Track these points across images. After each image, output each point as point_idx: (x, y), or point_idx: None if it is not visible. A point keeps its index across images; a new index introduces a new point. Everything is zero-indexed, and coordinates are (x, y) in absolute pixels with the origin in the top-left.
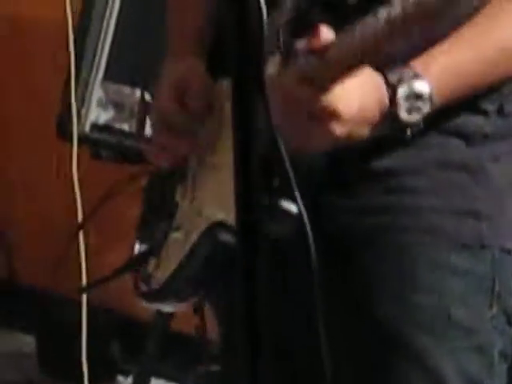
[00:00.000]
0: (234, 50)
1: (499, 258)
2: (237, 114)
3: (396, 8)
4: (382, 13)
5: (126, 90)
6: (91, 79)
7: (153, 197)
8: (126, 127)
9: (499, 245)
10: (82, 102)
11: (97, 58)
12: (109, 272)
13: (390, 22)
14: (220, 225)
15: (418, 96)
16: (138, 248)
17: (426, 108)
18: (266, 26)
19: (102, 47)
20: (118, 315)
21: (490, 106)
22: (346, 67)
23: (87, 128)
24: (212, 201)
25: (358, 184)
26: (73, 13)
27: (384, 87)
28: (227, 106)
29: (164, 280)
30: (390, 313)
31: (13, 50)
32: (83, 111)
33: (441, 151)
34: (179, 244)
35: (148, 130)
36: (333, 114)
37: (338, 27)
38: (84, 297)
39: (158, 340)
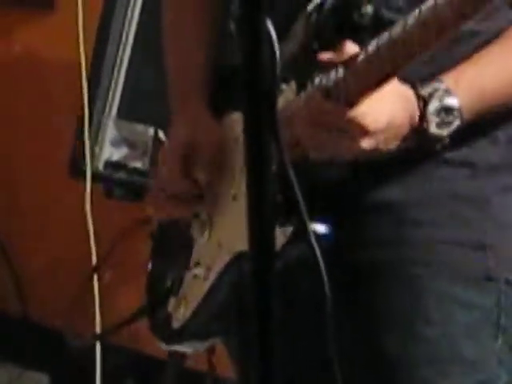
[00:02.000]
0: (245, 85)
1: (505, 290)
2: (249, 147)
3: (410, 18)
4: (397, 25)
5: (140, 127)
6: (104, 118)
7: (164, 232)
8: (139, 165)
9: (505, 277)
10: (96, 140)
11: (110, 96)
12: (122, 310)
13: (405, 32)
14: (245, 255)
15: (448, 110)
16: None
17: (455, 123)
18: (278, 62)
19: (115, 86)
20: (132, 353)
21: (500, 135)
22: (371, 81)
23: (101, 166)
24: (233, 232)
25: (367, 215)
26: (86, 52)
27: (415, 101)
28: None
29: (187, 317)
30: (395, 344)
31: (27, 90)
32: (97, 149)
33: (448, 183)
34: (200, 280)
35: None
36: (360, 129)
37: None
38: (98, 334)
39: (172, 378)
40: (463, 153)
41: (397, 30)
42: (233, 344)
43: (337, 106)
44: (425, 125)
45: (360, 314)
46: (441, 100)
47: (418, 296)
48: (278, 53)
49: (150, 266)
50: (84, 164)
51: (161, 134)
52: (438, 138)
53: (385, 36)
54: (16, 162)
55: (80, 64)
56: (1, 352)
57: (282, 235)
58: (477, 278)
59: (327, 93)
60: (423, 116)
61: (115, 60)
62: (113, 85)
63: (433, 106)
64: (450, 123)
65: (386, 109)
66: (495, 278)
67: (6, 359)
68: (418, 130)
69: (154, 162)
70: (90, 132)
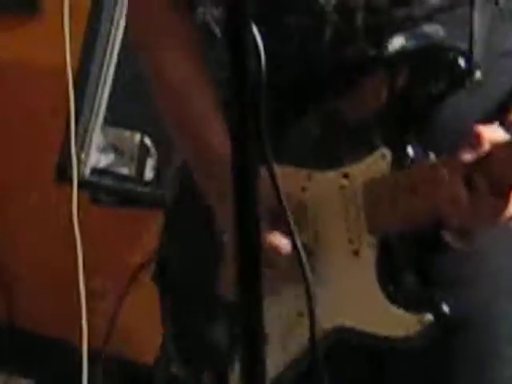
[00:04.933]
0: (233, 113)
1: None
2: (234, 153)
3: None
4: None
5: (126, 134)
6: (91, 123)
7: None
8: (125, 171)
9: None
10: (82, 146)
11: (96, 102)
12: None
13: None
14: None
15: None
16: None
17: None
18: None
19: (102, 92)
20: (119, 359)
21: None
22: None
23: (87, 172)
24: (338, 297)
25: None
26: (72, 58)
27: None
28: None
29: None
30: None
31: (13, 96)
32: (83, 155)
33: None
34: (273, 351)
35: (147, 175)
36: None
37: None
38: (85, 341)
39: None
40: None
41: None
42: None
43: (502, 203)
44: None
45: (432, 358)
46: None
47: (490, 335)
48: (263, 60)
49: (166, 316)
50: (71, 171)
51: (147, 140)
52: None
53: None
54: (3, 167)
55: (66, 69)
56: None
57: (418, 323)
58: None
59: (467, 179)
60: None
61: (102, 65)
62: (99, 90)
63: None
64: None
65: None
66: None
67: None
68: None
69: (140, 167)
70: (76, 138)
